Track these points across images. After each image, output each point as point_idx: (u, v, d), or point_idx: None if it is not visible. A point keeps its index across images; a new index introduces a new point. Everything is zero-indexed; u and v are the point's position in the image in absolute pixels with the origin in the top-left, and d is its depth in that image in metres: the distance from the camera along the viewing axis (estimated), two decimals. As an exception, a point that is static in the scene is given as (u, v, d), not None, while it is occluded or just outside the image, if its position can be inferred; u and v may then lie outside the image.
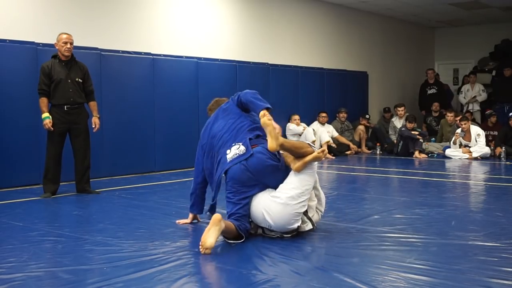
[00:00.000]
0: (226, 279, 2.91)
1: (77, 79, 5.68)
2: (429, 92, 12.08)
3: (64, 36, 5.62)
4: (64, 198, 5.56)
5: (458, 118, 9.69)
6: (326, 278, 2.88)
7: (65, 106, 5.61)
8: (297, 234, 3.79)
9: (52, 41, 6.01)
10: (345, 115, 10.53)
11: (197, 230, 4.00)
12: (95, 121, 5.82)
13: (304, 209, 3.64)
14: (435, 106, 11.34)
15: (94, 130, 5.86)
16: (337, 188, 6.11)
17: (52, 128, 5.54)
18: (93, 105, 5.86)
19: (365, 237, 3.79)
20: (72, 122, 5.67)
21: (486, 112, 10.89)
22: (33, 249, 3.52)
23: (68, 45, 5.60)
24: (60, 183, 5.79)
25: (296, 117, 9.64)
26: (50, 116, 5.54)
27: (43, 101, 5.56)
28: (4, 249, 3.54)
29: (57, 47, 5.67)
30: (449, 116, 10.19)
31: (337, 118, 10.57)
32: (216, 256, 3.32)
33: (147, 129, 7.59)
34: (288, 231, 3.66)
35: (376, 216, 4.46)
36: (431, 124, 11.26)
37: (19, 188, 6.11)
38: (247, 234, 3.64)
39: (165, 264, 3.15)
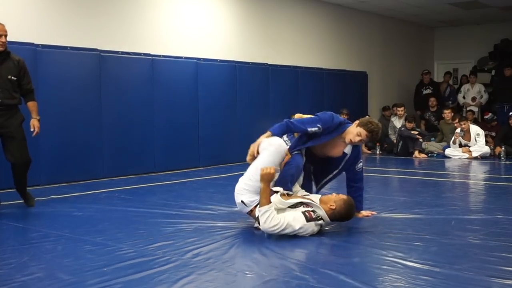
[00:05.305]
0: (225, 279, 2.91)
1: (9, 77, 4.84)
2: (425, 92, 12.09)
3: None
4: (64, 199, 5.56)
5: (457, 119, 9.65)
6: (326, 278, 2.87)
7: None
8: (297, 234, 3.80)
9: (52, 42, 6.00)
10: (346, 116, 10.52)
11: (197, 231, 4.00)
12: (34, 123, 4.97)
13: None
14: (432, 101, 11.38)
15: (33, 134, 5.01)
16: (337, 188, 6.07)
17: None
18: (32, 105, 5.03)
19: (365, 237, 3.79)
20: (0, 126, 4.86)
21: (486, 117, 10.86)
22: (33, 250, 3.53)
23: (3, 38, 4.78)
24: (60, 184, 5.76)
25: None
26: None
27: None
28: (4, 250, 3.55)
29: None
30: (446, 113, 10.17)
31: (338, 119, 10.54)
32: (216, 257, 3.32)
33: (147, 130, 7.59)
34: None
35: (376, 216, 4.46)
36: (430, 119, 11.25)
37: (19, 189, 6.10)
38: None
39: (165, 265, 3.15)
